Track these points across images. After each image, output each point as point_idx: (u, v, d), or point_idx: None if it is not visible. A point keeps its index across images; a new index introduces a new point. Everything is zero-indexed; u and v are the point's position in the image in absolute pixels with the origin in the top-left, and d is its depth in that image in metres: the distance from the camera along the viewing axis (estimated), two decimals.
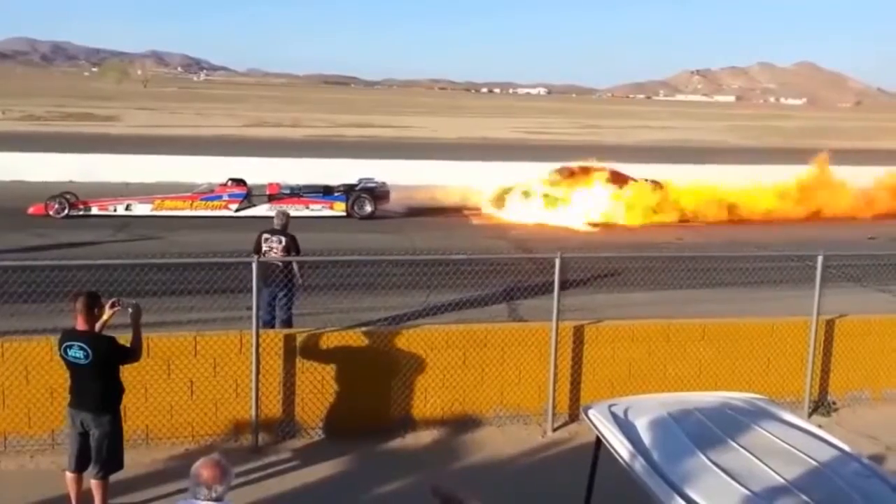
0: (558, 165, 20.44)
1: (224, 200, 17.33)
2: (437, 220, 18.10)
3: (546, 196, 18.44)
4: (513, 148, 39.39)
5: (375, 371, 6.89)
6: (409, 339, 6.96)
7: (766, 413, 4.05)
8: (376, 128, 55.12)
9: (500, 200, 18.64)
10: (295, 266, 8.51)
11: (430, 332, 7.04)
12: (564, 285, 7.22)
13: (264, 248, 8.76)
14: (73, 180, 20.62)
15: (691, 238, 16.40)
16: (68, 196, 16.61)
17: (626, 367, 7.38)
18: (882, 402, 7.93)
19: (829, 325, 7.83)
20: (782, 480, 3.38)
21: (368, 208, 18.00)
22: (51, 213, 16.18)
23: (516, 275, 11.04)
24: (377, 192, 18.27)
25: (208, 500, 3.31)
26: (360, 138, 44.67)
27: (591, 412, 4.04)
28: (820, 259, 7.43)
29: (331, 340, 6.80)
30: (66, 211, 16.29)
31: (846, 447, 3.72)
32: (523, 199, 18.50)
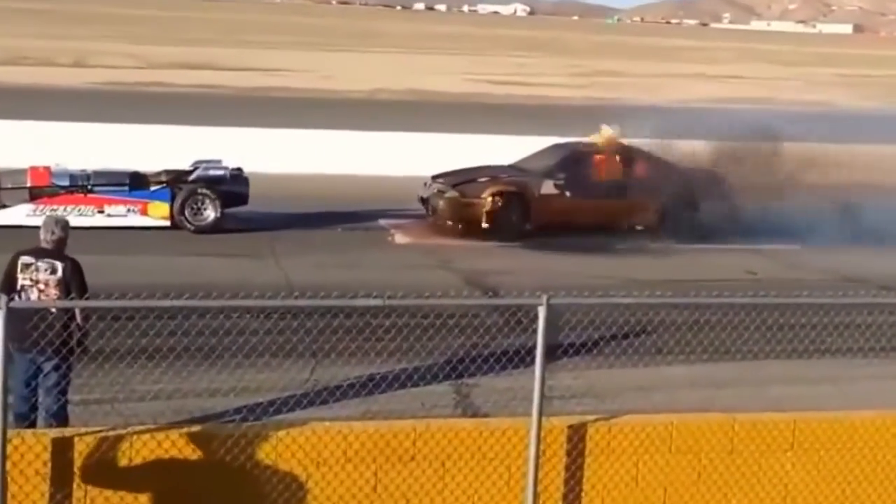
0: (551, 142, 20.85)
1: None
2: (334, 237, 18.28)
3: None
4: (467, 109, 39.91)
5: None
6: (281, 447, 7.05)
7: None
8: (223, 70, 55.11)
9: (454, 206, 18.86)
10: (77, 315, 8.54)
11: (316, 434, 7.15)
12: (553, 351, 7.44)
13: (22, 281, 8.74)
14: None
15: (773, 269, 16.88)
16: None
17: (658, 498, 7.63)
18: None
19: None
20: None
21: (211, 213, 18.04)
22: None
23: (470, 334, 11.23)
24: (226, 186, 18.35)
25: None
26: (194, 88, 44.64)
27: None
28: None
29: (140, 450, 6.85)
30: None
31: None
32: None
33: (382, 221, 19.63)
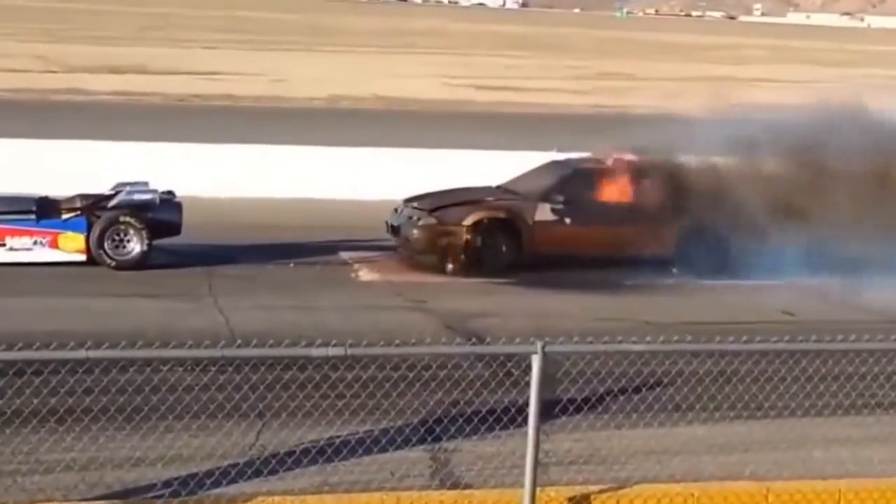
0: (548, 159, 20.90)
1: None
2: (285, 273, 18.32)
3: None
4: (447, 119, 39.98)
5: None
6: None
7: None
8: (152, 74, 55.17)
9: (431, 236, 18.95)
10: None
11: None
12: (550, 409, 7.45)
13: None
14: None
15: (813, 309, 16.98)
16: None
17: None
18: None
19: None
20: None
21: (135, 246, 18.01)
22: None
23: (449, 388, 11.24)
24: (153, 213, 18.34)
25: None
26: (117, 95, 44.67)
27: None
28: None
29: None
30: None
31: None
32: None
33: (344, 254, 19.64)
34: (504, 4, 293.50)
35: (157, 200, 18.48)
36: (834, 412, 11.29)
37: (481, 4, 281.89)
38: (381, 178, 23.39)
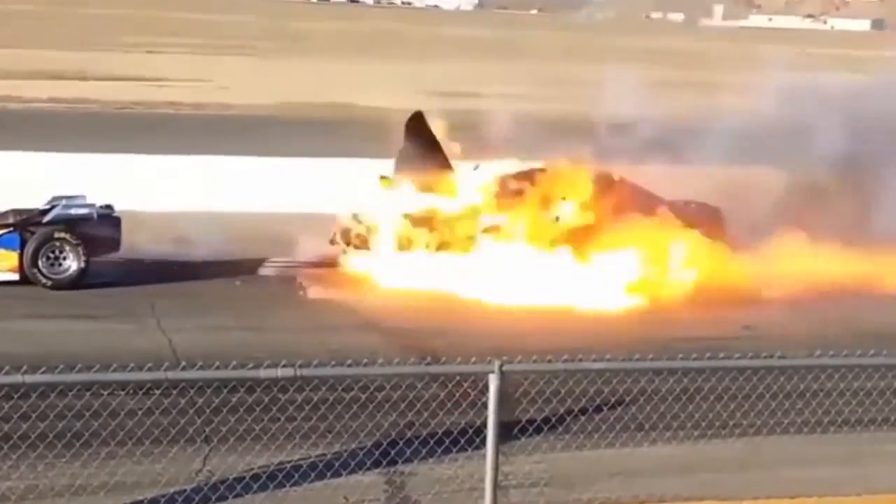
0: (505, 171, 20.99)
1: None
2: (230, 291, 18.30)
3: (484, 230, 19.06)
4: (398, 127, 39.74)
5: None
6: None
7: None
8: (90, 80, 54.84)
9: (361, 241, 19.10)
10: None
11: None
12: (509, 430, 7.49)
13: None
14: None
15: (776, 323, 17.15)
16: None
17: None
18: None
19: None
20: None
21: (72, 264, 17.89)
22: None
23: (404, 410, 11.28)
24: (91, 229, 18.25)
25: None
26: (51, 103, 44.40)
27: None
28: None
29: None
30: None
31: None
32: (425, 240, 19.00)
33: (292, 271, 19.59)
34: (459, 7, 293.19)
35: (95, 215, 18.38)
36: (800, 430, 11.42)
37: (436, 7, 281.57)
38: (332, 190, 23.28)
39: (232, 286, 18.50)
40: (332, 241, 19.54)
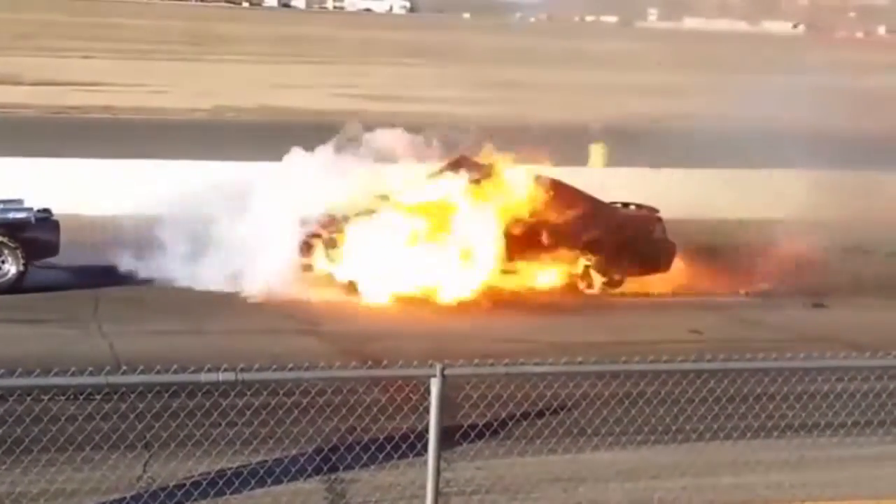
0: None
1: None
2: (172, 296, 18.21)
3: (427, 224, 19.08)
4: (338, 131, 39.63)
5: None
6: None
7: None
8: (23, 85, 54.52)
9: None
10: None
11: None
12: (451, 435, 7.46)
13: None
14: None
15: (721, 327, 17.28)
16: None
17: None
18: None
19: None
20: None
21: (10, 268, 17.81)
22: None
23: (345, 415, 11.23)
24: (29, 233, 18.16)
25: None
26: None
27: None
28: None
29: None
30: None
31: None
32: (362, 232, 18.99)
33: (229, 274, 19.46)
34: (391, 10, 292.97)
35: (33, 219, 18.32)
36: (743, 435, 11.44)
37: (368, 10, 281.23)
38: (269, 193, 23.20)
39: (173, 290, 18.34)
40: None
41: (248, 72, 69.18)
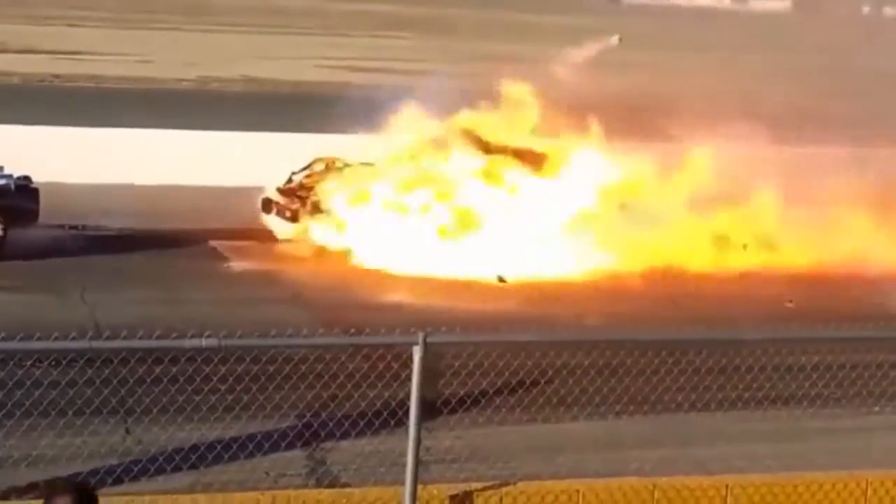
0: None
1: None
2: (153, 262, 18.21)
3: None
4: (322, 102, 39.47)
5: None
6: None
7: None
8: (9, 53, 54.07)
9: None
10: None
11: None
12: (432, 404, 7.48)
13: None
14: None
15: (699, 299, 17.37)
16: None
17: None
18: None
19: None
20: None
21: None
22: None
23: (327, 383, 11.25)
24: (9, 200, 18.15)
25: None
26: None
27: None
28: None
29: None
30: None
31: None
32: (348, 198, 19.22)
33: (215, 243, 19.50)
34: None
35: (13, 186, 18.29)
36: (720, 406, 11.51)
37: None
38: (253, 163, 23.17)
39: (155, 258, 18.34)
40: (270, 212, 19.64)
41: (233, 42, 68.92)
